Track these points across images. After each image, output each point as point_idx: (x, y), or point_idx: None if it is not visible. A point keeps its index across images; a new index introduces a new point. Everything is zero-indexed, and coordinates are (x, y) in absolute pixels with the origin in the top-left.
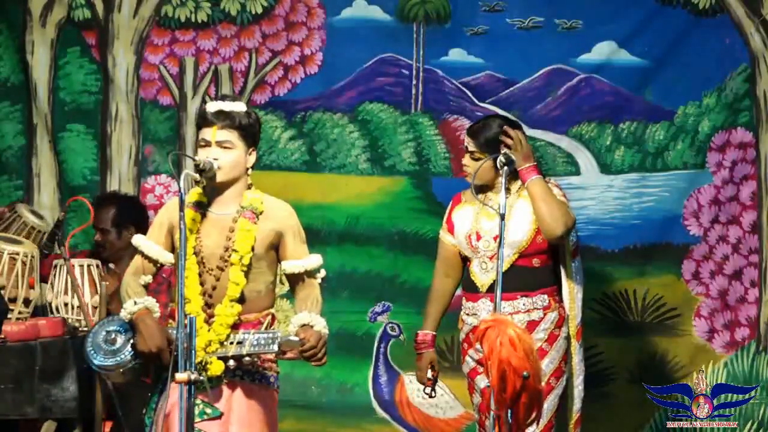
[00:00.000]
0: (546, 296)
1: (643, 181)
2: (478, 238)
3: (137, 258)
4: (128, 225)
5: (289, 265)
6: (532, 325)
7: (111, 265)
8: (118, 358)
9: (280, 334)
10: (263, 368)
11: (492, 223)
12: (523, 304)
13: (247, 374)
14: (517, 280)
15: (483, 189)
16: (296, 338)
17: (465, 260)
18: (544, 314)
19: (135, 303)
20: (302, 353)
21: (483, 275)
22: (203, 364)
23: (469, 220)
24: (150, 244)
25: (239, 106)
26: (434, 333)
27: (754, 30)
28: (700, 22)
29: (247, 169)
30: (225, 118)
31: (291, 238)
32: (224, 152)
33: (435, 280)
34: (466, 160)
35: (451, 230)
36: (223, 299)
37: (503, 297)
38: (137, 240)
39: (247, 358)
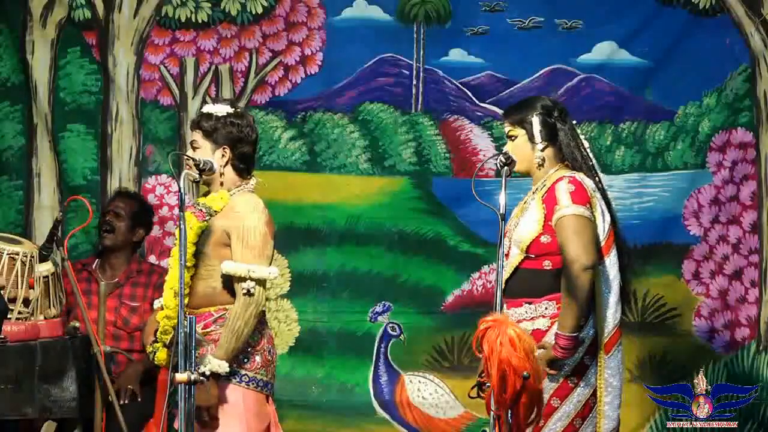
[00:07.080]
0: (555, 303)
1: (643, 181)
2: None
3: None
4: (141, 226)
5: (223, 266)
6: (537, 335)
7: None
8: None
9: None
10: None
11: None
12: (526, 312)
13: None
14: (522, 284)
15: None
16: (203, 384)
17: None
18: (551, 323)
19: None
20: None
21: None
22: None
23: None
24: None
25: (219, 108)
26: None
27: (754, 30)
28: (700, 22)
29: (220, 166)
30: (195, 120)
31: (234, 240)
32: (194, 153)
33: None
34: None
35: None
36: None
37: (509, 304)
38: None
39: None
